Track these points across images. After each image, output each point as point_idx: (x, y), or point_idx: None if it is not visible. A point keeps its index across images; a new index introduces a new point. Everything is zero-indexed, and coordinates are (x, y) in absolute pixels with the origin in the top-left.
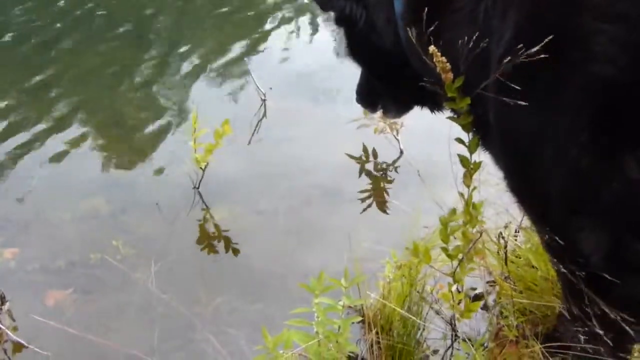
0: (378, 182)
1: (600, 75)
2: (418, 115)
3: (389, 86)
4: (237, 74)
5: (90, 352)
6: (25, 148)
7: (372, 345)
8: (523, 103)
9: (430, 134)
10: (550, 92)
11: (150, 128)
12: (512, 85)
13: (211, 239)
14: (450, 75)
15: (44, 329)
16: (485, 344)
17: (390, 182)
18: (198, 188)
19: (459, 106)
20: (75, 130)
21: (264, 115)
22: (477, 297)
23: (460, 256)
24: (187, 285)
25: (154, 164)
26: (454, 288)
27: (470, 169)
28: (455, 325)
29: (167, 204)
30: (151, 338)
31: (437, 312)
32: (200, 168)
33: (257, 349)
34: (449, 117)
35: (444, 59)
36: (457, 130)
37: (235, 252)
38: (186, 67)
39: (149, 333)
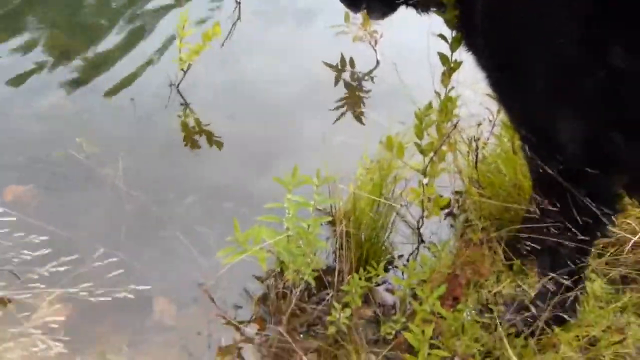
0: (354, 91)
1: None
2: (397, 27)
3: None
4: None
5: (52, 244)
6: None
7: (341, 244)
8: None
9: (408, 46)
10: None
11: (126, 28)
12: None
13: (183, 140)
14: None
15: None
16: (450, 247)
17: (366, 92)
18: (178, 86)
19: None
20: (33, 31)
21: (239, 18)
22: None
23: (433, 151)
24: (157, 184)
25: (127, 65)
26: (425, 181)
27: (450, 67)
28: (422, 224)
29: (140, 103)
30: (118, 234)
31: (402, 218)
32: (182, 69)
33: (227, 240)
34: (435, 12)
35: None
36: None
37: (216, 144)
38: None
39: (116, 229)
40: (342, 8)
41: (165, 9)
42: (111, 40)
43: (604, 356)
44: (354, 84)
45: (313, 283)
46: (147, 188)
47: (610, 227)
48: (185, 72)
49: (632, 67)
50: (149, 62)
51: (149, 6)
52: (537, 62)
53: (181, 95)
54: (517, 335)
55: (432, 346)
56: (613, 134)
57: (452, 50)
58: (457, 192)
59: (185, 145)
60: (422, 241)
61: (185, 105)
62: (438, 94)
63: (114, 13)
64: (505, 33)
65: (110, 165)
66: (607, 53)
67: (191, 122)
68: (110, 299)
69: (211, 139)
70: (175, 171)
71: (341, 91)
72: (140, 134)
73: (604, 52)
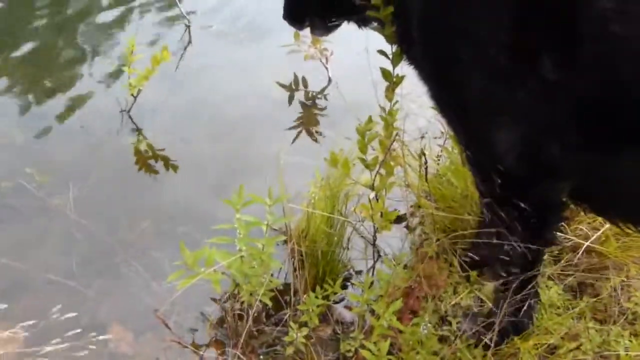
0: (307, 110)
1: None
2: (346, 44)
3: None
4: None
5: (5, 277)
6: None
7: (296, 264)
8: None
9: (356, 63)
10: None
11: (72, 54)
12: None
13: (137, 163)
14: None
15: None
16: (406, 261)
17: (319, 110)
18: (129, 112)
19: (383, 15)
20: None
21: (189, 42)
22: (400, 219)
23: (377, 165)
24: (109, 211)
25: (75, 92)
26: (371, 196)
27: (392, 82)
28: (376, 238)
29: (91, 130)
30: (70, 264)
31: (359, 234)
32: (132, 95)
33: (175, 264)
34: (374, 28)
35: None
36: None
37: (158, 178)
38: None
39: (68, 259)
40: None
41: (114, 32)
42: (61, 65)
43: None
44: (308, 102)
45: (270, 303)
46: (99, 216)
47: (557, 235)
48: (135, 97)
49: (561, 78)
50: (99, 88)
51: (97, 30)
52: (471, 72)
53: (132, 120)
54: (477, 346)
55: None
56: (549, 143)
57: (394, 65)
58: (412, 206)
59: (138, 170)
60: (379, 256)
61: (138, 130)
62: (383, 108)
63: (63, 37)
64: (440, 44)
65: (61, 194)
66: (537, 63)
67: (144, 147)
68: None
69: (167, 163)
70: (128, 197)
71: (296, 110)
72: (92, 161)
73: (534, 62)
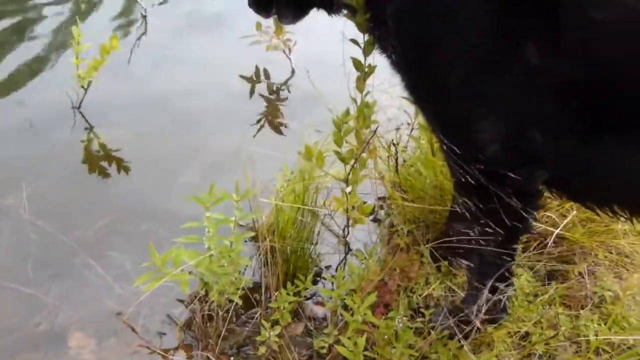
0: (271, 102)
1: None
2: (311, 33)
3: None
4: None
5: None
6: None
7: (265, 260)
8: None
9: (323, 52)
10: None
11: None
12: None
13: (91, 162)
14: None
15: None
16: (377, 253)
17: (283, 101)
18: (79, 108)
19: (356, 2)
20: None
21: (144, 32)
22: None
23: (354, 158)
24: (66, 210)
25: (24, 88)
26: (348, 190)
27: (364, 72)
28: (347, 233)
29: (42, 125)
30: (24, 268)
31: (328, 227)
32: (82, 87)
33: (143, 266)
34: (345, 15)
35: None
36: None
37: (117, 175)
38: None
39: (22, 263)
40: (254, 17)
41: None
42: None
43: (537, 350)
44: (271, 95)
45: (240, 302)
46: (54, 215)
47: (532, 223)
48: (85, 90)
49: (545, 64)
50: (50, 82)
51: (45, 26)
52: (451, 60)
53: (83, 116)
54: (451, 337)
55: (366, 357)
56: (532, 131)
57: (365, 54)
58: (380, 198)
59: (93, 167)
60: (350, 250)
61: (89, 127)
62: (354, 99)
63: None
64: (418, 31)
65: (14, 194)
66: (521, 49)
67: (98, 143)
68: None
69: (119, 164)
70: (85, 195)
71: (258, 102)
72: (46, 159)
73: (519, 48)
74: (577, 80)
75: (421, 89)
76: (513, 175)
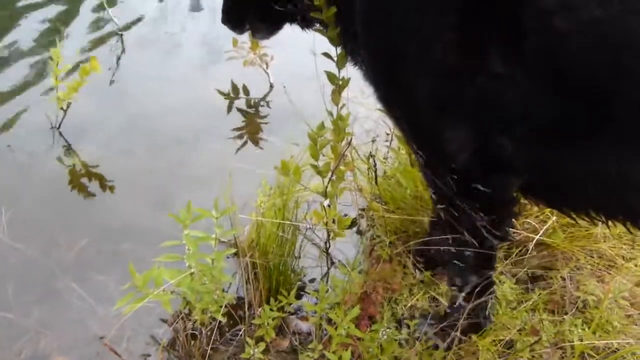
0: (250, 118)
1: None
2: (287, 47)
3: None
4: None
5: None
6: None
7: (248, 276)
8: None
9: (299, 66)
10: None
11: None
12: None
13: (70, 183)
14: None
15: None
16: (359, 265)
17: (262, 117)
18: (59, 128)
19: (326, 16)
20: None
21: (123, 50)
22: (352, 223)
23: (330, 171)
24: (47, 233)
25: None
26: (326, 203)
27: (338, 85)
28: (329, 246)
29: (20, 148)
30: (5, 293)
31: (311, 241)
32: (62, 108)
33: (123, 288)
34: (317, 30)
35: None
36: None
37: (97, 195)
38: None
39: (3, 288)
40: (229, 33)
41: (44, 43)
42: None
43: (522, 357)
44: (250, 110)
45: (223, 320)
46: (35, 238)
47: (510, 231)
48: (65, 111)
49: (510, 73)
50: (29, 104)
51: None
52: (419, 70)
53: (63, 136)
54: (436, 347)
55: None
56: (501, 139)
57: (339, 67)
58: (362, 210)
59: (73, 188)
60: (332, 263)
61: (69, 147)
62: (330, 112)
63: None
64: (386, 43)
65: None
66: (485, 58)
67: (77, 163)
68: None
69: (102, 182)
70: (64, 216)
71: (238, 118)
72: (24, 181)
73: (483, 58)
74: (542, 88)
75: (392, 100)
76: (481, 188)
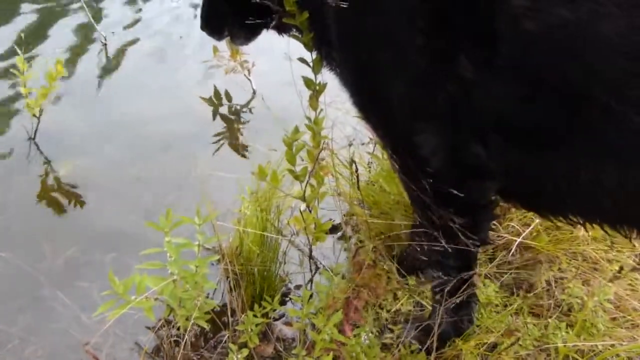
0: (233, 124)
1: None
2: (266, 53)
3: (234, 5)
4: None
5: None
6: None
7: (231, 284)
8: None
9: (278, 72)
10: None
11: None
12: None
13: (54, 191)
14: None
15: None
16: (344, 271)
17: (245, 123)
18: (34, 139)
19: (299, 21)
20: None
21: (107, 59)
22: (335, 228)
23: (307, 176)
24: (31, 242)
25: None
26: (302, 208)
27: (315, 90)
28: (312, 250)
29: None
30: None
31: (295, 246)
32: (34, 115)
33: (103, 294)
34: (292, 35)
35: None
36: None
37: (81, 203)
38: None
39: None
40: (210, 41)
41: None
42: None
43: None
44: (233, 117)
45: (207, 326)
46: (19, 247)
47: (490, 234)
48: (39, 119)
49: (480, 78)
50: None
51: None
52: (391, 76)
53: (37, 145)
54: (420, 351)
55: None
56: (473, 144)
57: (315, 72)
58: (345, 215)
59: (55, 197)
60: (317, 268)
61: (51, 156)
62: (308, 118)
63: None
64: (358, 49)
65: None
66: (455, 64)
67: (59, 172)
68: None
69: (82, 189)
70: (48, 225)
71: (220, 125)
72: (7, 191)
73: (452, 63)
74: (513, 93)
75: (367, 105)
76: (455, 192)
